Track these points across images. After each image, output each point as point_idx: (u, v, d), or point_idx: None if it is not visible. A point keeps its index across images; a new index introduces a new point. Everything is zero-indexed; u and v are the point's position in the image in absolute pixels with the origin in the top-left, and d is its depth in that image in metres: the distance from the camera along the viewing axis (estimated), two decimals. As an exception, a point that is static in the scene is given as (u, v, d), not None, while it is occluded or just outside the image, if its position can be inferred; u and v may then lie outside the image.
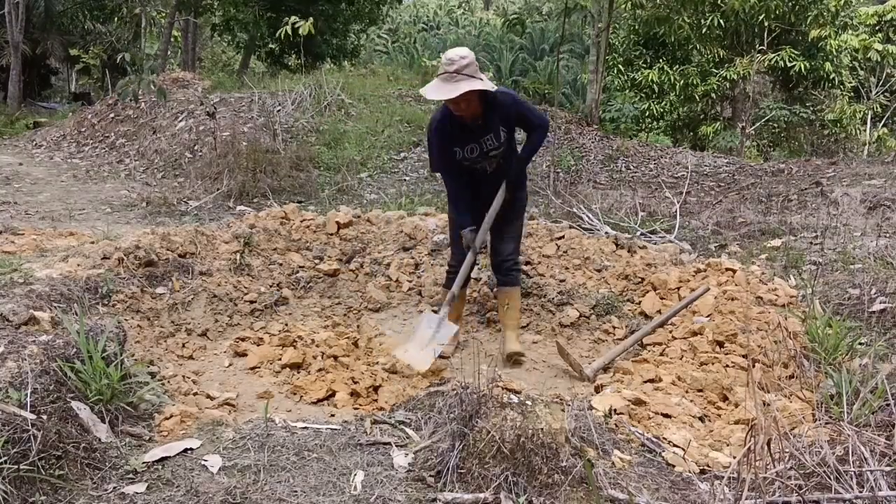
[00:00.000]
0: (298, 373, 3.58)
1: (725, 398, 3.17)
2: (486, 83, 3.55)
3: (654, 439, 2.60)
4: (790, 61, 12.97)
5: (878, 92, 14.61)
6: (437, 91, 3.52)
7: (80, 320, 2.70)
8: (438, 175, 8.86)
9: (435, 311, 3.93)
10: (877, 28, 14.92)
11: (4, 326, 2.95)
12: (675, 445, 2.59)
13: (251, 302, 4.37)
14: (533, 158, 4.11)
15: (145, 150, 10.18)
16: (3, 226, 5.30)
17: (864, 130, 14.44)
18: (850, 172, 8.16)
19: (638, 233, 6.15)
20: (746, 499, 1.97)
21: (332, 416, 3.04)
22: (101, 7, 18.22)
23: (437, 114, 3.79)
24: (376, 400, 3.28)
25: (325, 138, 9.97)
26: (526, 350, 4.13)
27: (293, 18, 9.51)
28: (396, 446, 2.45)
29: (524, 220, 4.07)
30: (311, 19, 9.58)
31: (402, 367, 3.62)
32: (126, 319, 3.58)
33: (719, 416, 3.04)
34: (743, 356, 3.57)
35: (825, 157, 10.89)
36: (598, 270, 4.84)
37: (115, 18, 18.20)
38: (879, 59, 14.01)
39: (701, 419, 2.96)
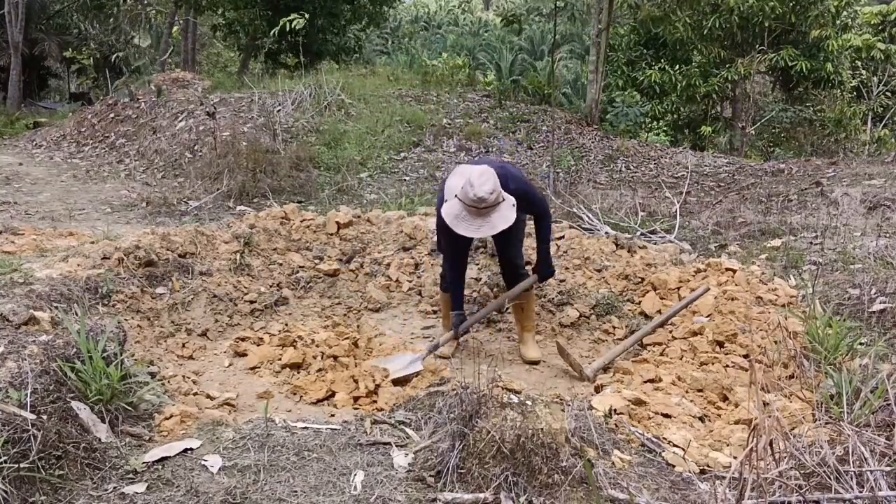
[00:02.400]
0: (298, 373, 3.58)
1: (725, 398, 3.17)
2: (508, 205, 3.45)
3: (654, 439, 2.60)
4: (791, 61, 12.96)
5: (879, 92, 14.61)
6: (464, 224, 3.44)
7: (80, 320, 2.70)
8: (439, 175, 8.89)
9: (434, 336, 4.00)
10: (880, 28, 14.92)
11: (4, 326, 2.95)
12: (675, 445, 2.59)
13: (251, 302, 4.37)
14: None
15: (145, 150, 10.18)
16: (3, 226, 5.30)
17: (865, 130, 14.44)
18: (850, 172, 8.16)
19: (638, 233, 6.15)
20: (748, 499, 1.97)
21: (332, 416, 3.04)
22: (99, 7, 18.20)
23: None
24: (376, 400, 3.27)
25: (325, 138, 9.97)
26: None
27: (293, 16, 9.51)
28: (396, 446, 2.45)
29: (524, 224, 4.06)
30: (305, 14, 9.57)
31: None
32: (126, 319, 3.58)
33: (719, 416, 3.04)
34: (743, 356, 3.57)
35: (825, 157, 10.89)
36: (598, 270, 4.84)
37: (111, 19, 18.22)
38: (882, 59, 14.00)
39: (701, 419, 2.96)
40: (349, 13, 16.96)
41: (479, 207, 3.40)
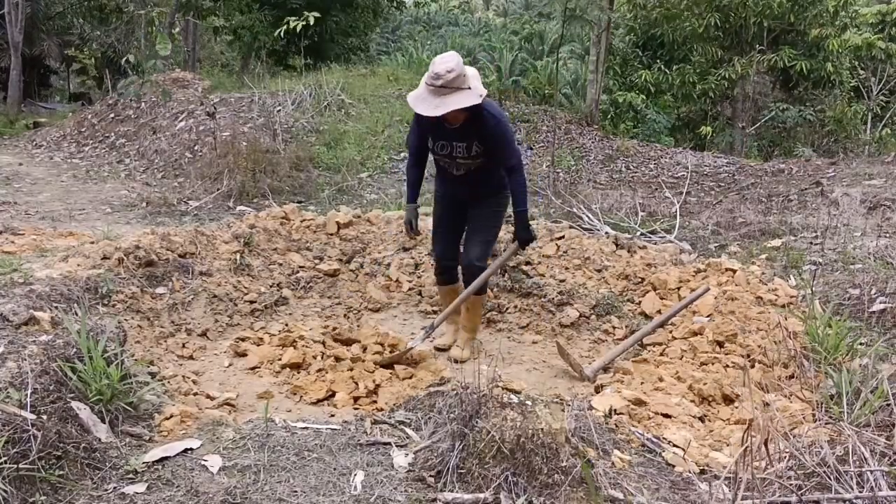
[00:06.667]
0: (298, 373, 3.57)
1: (725, 398, 3.17)
2: (472, 94, 3.42)
3: (654, 439, 2.60)
4: (790, 61, 12.97)
5: (878, 91, 14.62)
6: (423, 104, 3.44)
7: (80, 320, 2.70)
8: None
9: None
10: (880, 27, 14.94)
11: (4, 326, 2.95)
12: (675, 445, 2.59)
13: (251, 302, 4.37)
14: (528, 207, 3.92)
15: (145, 150, 10.18)
16: (3, 226, 5.30)
17: (865, 130, 14.45)
18: (850, 172, 8.17)
19: (638, 233, 6.15)
20: (745, 499, 1.97)
21: (332, 416, 3.04)
22: (100, 7, 18.20)
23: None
24: (376, 400, 3.28)
25: (325, 138, 9.97)
26: (526, 350, 4.13)
27: (306, 15, 9.42)
28: (396, 446, 2.45)
29: (500, 225, 3.94)
30: (313, 15, 9.50)
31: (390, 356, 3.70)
32: (126, 319, 3.58)
33: (719, 416, 3.04)
34: (743, 356, 3.57)
35: (825, 157, 10.89)
36: (598, 270, 4.84)
37: (114, 19, 18.21)
38: (883, 58, 14.01)
39: (701, 419, 2.96)
40: (361, 14, 17.09)
41: (436, 85, 3.37)
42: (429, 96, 3.42)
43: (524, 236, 3.75)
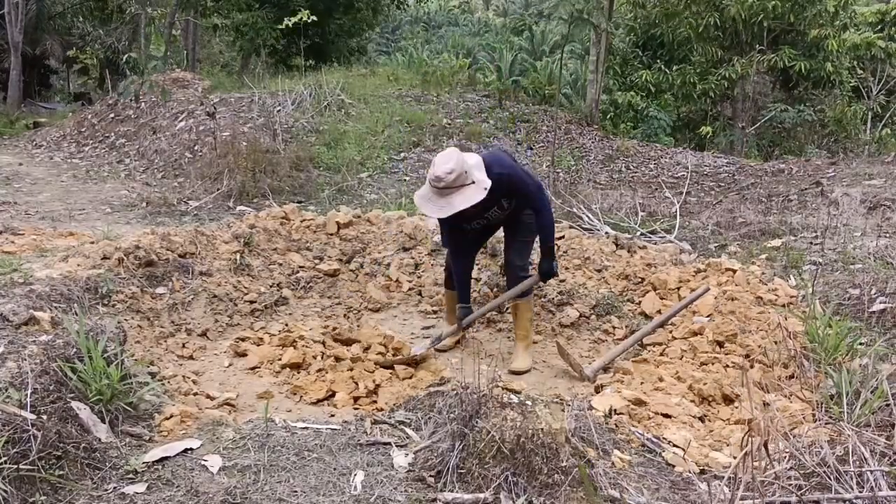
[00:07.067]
0: (298, 373, 3.58)
1: (725, 398, 3.17)
2: (477, 189, 3.44)
3: (654, 439, 2.60)
4: (790, 61, 12.98)
5: (878, 91, 14.61)
6: (430, 206, 3.51)
7: (80, 320, 2.70)
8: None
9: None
10: (879, 27, 14.95)
11: (4, 326, 2.95)
12: (675, 445, 2.59)
13: (251, 302, 4.37)
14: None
15: (145, 150, 10.18)
16: (3, 226, 5.30)
17: (865, 130, 14.45)
18: (850, 172, 8.17)
19: (638, 233, 6.15)
20: (745, 499, 1.97)
21: (332, 416, 3.05)
22: (102, 8, 18.26)
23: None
24: (376, 400, 3.28)
25: (325, 138, 9.97)
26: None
27: (301, 14, 9.38)
28: (396, 446, 2.45)
29: (536, 232, 3.98)
30: (311, 17, 9.49)
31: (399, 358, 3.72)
32: (126, 319, 3.58)
33: (719, 416, 3.04)
34: (743, 356, 3.57)
35: (825, 157, 10.89)
36: (598, 270, 4.84)
37: (114, 18, 18.25)
38: (883, 57, 14.01)
39: (701, 419, 2.96)
40: (363, 14, 17.17)
41: (439, 187, 3.42)
42: (434, 197, 3.49)
43: (545, 269, 3.86)
